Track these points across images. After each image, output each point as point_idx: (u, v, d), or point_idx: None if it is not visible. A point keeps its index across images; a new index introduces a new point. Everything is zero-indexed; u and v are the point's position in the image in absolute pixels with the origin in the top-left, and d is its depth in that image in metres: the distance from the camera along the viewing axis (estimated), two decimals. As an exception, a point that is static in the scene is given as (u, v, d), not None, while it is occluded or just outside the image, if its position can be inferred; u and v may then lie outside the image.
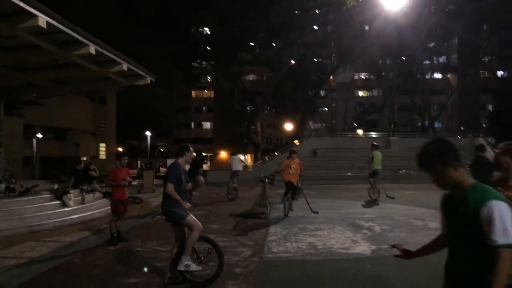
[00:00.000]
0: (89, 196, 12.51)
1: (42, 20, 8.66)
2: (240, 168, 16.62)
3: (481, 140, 26.58)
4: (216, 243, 5.88)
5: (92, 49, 10.99)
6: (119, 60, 12.78)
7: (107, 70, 13.34)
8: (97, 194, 12.96)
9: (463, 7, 34.98)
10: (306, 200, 11.99)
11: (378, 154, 14.90)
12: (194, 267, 5.55)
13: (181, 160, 5.91)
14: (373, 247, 7.62)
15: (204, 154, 61.67)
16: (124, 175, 8.48)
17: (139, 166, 42.43)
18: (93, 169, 13.66)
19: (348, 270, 6.26)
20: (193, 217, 5.72)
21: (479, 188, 2.28)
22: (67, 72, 14.51)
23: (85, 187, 12.62)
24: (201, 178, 13.53)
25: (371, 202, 14.27)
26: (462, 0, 34.76)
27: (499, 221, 2.12)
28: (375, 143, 15.78)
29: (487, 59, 50.72)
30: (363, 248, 7.61)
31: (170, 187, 5.63)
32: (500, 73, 52.48)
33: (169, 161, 51.23)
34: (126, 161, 8.83)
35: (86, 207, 11.59)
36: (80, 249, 7.72)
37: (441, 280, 2.45)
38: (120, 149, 61.96)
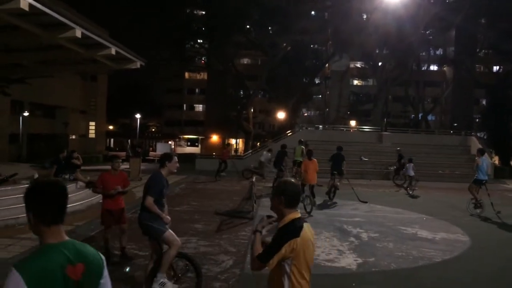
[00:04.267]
0: (71, 186, 12.01)
1: (24, 2, 8.27)
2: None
3: (474, 139, 26.41)
4: (195, 260, 5.56)
5: (78, 32, 10.55)
6: (107, 44, 12.34)
7: (95, 53, 12.89)
8: (80, 183, 12.48)
9: (463, -1, 34.39)
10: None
11: (299, 148, 17.36)
12: (170, 285, 5.26)
13: (163, 171, 5.54)
14: (360, 260, 7.39)
15: (195, 137, 61.38)
16: (117, 183, 6.93)
17: (128, 147, 41.73)
18: (76, 157, 13.15)
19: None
20: (172, 232, 5.39)
21: None
22: (53, 54, 14.05)
23: (67, 177, 12.15)
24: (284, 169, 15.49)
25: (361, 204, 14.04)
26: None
27: None
28: (301, 139, 18.75)
29: (483, 53, 50.26)
30: (349, 261, 7.36)
31: (150, 200, 5.28)
32: (495, 68, 52.11)
33: (160, 145, 50.78)
34: (121, 164, 7.42)
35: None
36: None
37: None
38: (110, 127, 61.08)
